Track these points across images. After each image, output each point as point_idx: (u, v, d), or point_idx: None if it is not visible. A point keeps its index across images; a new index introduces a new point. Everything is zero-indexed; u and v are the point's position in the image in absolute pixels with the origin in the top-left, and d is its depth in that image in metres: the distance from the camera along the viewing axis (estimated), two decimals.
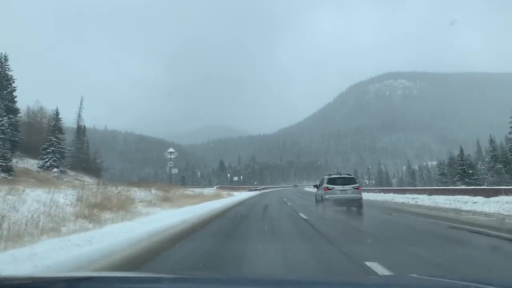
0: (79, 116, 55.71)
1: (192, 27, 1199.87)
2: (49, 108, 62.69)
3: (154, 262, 5.13)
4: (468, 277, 3.26)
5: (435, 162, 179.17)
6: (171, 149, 32.84)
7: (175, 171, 33.50)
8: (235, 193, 38.24)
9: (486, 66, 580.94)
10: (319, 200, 18.66)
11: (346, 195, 16.52)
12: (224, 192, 33.83)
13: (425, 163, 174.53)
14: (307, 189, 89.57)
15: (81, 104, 56.07)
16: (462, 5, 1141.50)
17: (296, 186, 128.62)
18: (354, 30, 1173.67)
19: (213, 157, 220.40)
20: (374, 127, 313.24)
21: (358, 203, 16.39)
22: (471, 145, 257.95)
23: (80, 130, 67.24)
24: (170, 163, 31.87)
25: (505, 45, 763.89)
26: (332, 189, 16.77)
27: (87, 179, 46.69)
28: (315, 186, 22.03)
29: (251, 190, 55.60)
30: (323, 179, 18.76)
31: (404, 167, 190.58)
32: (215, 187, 59.97)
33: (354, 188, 16.95)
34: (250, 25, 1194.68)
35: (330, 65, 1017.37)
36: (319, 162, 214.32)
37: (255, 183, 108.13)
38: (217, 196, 26.29)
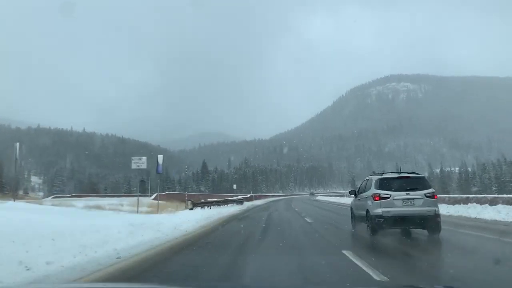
0: None
1: (186, 33, 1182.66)
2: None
3: None
4: None
5: (457, 168, 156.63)
6: None
7: None
8: None
9: (489, 70, 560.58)
10: (360, 217, 11.26)
11: (414, 209, 9.66)
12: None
13: (447, 169, 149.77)
14: (320, 198, 65.39)
15: None
16: (463, 10, 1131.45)
17: (313, 194, 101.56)
18: (352, 33, 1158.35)
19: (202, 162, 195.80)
20: (378, 131, 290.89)
21: (433, 223, 9.58)
22: (486, 150, 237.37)
23: None
24: None
25: (508, 49, 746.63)
26: (388, 197, 9.79)
27: None
28: (352, 193, 13.14)
29: (197, 207, 22.65)
30: (368, 180, 11.17)
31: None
32: (153, 196, 33.11)
33: (427, 196, 9.83)
34: (244, 28, 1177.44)
35: (328, 68, 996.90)
36: (321, 168, 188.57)
37: (234, 186, 63.90)
38: None
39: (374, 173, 11.77)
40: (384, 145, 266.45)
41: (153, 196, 31.74)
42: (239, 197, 41.34)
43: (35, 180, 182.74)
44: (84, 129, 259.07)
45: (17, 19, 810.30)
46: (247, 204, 36.54)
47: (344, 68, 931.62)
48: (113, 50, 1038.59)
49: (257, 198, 57.60)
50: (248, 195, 51.64)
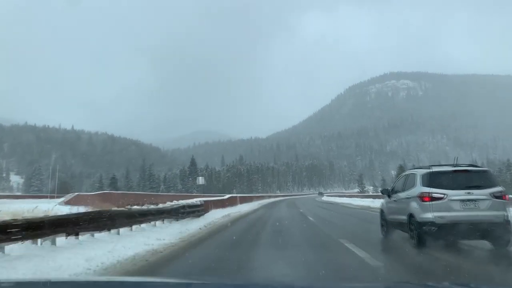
0: None
1: (180, 31, 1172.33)
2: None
3: None
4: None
5: None
6: None
7: None
8: None
9: (490, 68, 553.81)
10: (397, 223, 8.71)
11: (478, 213, 7.15)
12: None
13: None
14: (326, 198, 55.44)
15: None
16: (464, 7, 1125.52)
17: (321, 193, 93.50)
18: (350, 30, 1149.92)
19: (197, 161, 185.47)
20: (379, 129, 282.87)
21: (502, 233, 7.01)
22: (491, 149, 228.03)
23: None
24: None
25: (509, 48, 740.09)
26: (442, 198, 7.29)
27: None
28: (385, 192, 9.93)
29: None
30: (410, 175, 8.56)
31: None
32: (64, 198, 22.12)
33: (494, 196, 7.32)
34: (240, 26, 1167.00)
35: (326, 66, 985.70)
36: (321, 166, 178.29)
37: (198, 180, 37.78)
38: None
39: (423, 167, 8.50)
40: (386, 143, 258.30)
41: (65, 198, 20.48)
42: (193, 201, 17.06)
43: (16, 179, 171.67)
44: (72, 126, 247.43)
45: (6, 13, 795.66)
46: (210, 218, 15.78)
47: (342, 66, 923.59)
48: (108, 49, 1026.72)
49: (244, 200, 36.61)
50: (226, 196, 28.59)
